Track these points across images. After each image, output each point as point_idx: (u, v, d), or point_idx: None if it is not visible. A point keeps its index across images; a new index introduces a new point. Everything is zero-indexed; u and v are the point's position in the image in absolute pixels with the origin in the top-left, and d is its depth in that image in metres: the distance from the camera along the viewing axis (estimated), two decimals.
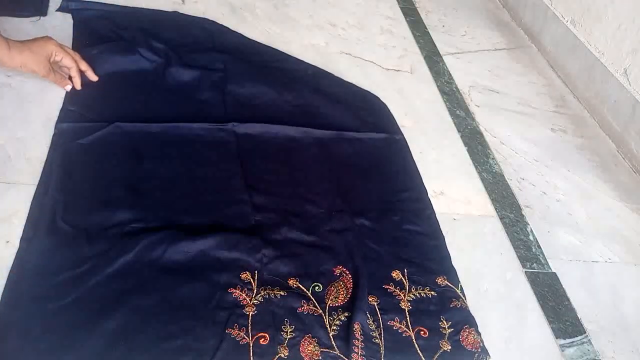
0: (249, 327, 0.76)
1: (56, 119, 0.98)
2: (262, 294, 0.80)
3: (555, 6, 1.71)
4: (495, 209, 1.11)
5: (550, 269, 1.02)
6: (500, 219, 1.09)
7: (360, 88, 1.31)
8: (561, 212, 1.16)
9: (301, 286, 0.84)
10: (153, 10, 1.34)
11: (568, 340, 0.91)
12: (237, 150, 1.03)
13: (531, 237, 1.07)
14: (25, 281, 0.73)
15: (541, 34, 1.76)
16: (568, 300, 0.97)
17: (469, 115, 1.36)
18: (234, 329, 0.75)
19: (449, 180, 1.14)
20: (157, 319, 0.74)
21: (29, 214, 0.81)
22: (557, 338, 0.90)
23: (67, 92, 1.04)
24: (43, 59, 0.97)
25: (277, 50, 1.35)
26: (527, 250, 1.04)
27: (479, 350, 0.82)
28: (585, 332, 0.93)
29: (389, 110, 1.26)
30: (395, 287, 0.87)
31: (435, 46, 1.61)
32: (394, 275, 0.89)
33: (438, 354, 0.80)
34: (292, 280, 0.84)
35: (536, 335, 0.90)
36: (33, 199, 0.84)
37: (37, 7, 1.22)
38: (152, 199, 0.89)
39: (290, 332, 0.77)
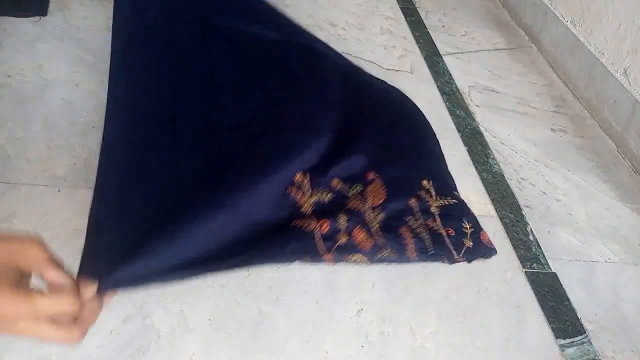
0: (311, 220, 0.79)
1: (55, 118, 0.98)
2: (315, 195, 0.83)
3: (555, 6, 1.71)
4: (495, 209, 1.11)
5: (550, 269, 1.02)
6: (500, 219, 1.09)
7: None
8: (561, 212, 1.16)
9: (345, 186, 0.87)
10: None
11: (568, 340, 0.91)
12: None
13: (531, 237, 1.07)
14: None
15: (541, 34, 1.76)
16: (568, 300, 0.97)
17: (469, 115, 1.36)
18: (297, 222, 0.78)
19: None
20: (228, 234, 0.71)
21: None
22: (557, 338, 0.90)
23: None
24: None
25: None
26: (527, 250, 1.04)
27: (492, 246, 0.89)
28: (585, 332, 0.93)
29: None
30: (426, 194, 0.93)
31: (435, 46, 1.61)
32: (424, 183, 0.94)
33: (464, 249, 0.87)
34: (335, 181, 0.87)
35: (536, 335, 0.90)
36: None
37: (37, 7, 1.22)
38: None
39: (344, 222, 0.81)
